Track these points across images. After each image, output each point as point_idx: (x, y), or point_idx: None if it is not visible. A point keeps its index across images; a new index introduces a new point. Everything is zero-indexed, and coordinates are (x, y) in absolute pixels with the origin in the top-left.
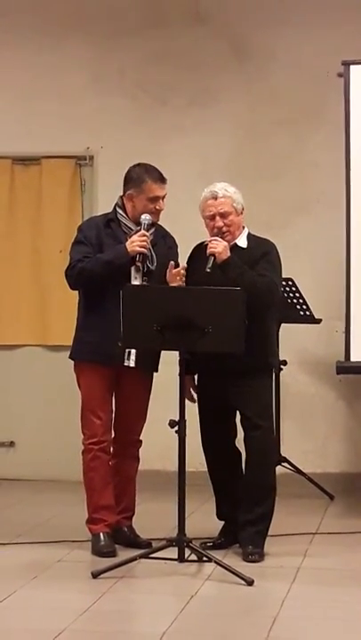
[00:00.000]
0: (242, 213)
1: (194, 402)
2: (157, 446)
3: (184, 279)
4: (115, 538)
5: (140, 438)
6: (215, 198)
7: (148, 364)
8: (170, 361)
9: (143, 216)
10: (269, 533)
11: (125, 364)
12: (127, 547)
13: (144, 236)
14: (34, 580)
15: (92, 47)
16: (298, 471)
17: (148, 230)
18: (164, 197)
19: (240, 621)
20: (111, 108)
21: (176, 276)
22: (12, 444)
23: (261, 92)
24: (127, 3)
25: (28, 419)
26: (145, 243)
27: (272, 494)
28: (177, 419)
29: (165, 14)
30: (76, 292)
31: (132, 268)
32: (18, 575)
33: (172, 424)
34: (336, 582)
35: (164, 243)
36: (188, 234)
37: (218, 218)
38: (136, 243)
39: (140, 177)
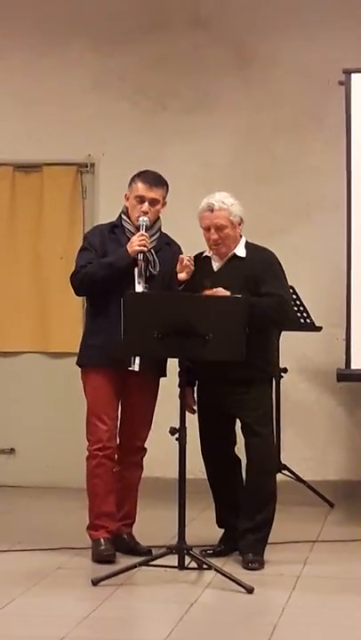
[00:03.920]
0: (240, 225)
1: (193, 413)
2: (158, 453)
3: (192, 268)
4: (114, 545)
5: (145, 446)
6: (211, 210)
7: (154, 369)
8: (171, 370)
9: (141, 218)
10: (269, 541)
11: (130, 368)
12: (127, 554)
13: (142, 235)
14: (34, 588)
15: (93, 52)
16: (298, 479)
17: (146, 231)
18: (154, 202)
19: (240, 629)
20: (112, 114)
21: (185, 267)
22: (12, 450)
23: (262, 98)
24: (128, 8)
25: (29, 425)
26: (144, 241)
27: (272, 502)
28: (177, 426)
29: (166, 19)
30: (79, 300)
31: (136, 273)
32: (17, 582)
33: (172, 431)
34: (336, 590)
35: (169, 249)
36: (188, 239)
37: (213, 230)
38: (135, 243)
39: (133, 178)
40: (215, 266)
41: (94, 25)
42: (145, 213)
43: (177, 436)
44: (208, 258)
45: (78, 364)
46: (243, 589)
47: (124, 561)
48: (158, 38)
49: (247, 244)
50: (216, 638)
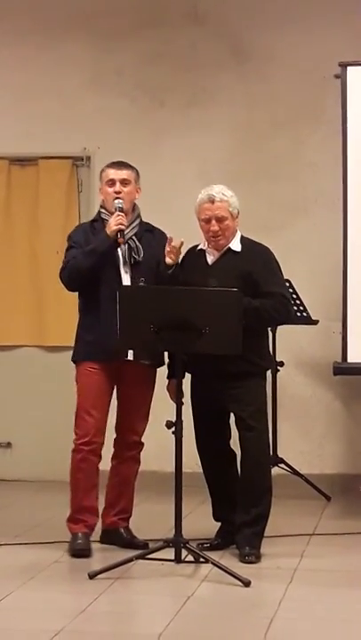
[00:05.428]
0: (237, 217)
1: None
2: (154, 447)
3: (181, 255)
4: (111, 539)
5: (142, 441)
6: (212, 202)
7: (150, 358)
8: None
9: (115, 200)
10: (266, 534)
11: (126, 358)
12: (124, 547)
13: (118, 215)
14: (30, 581)
15: (90, 48)
16: (295, 472)
17: (121, 212)
18: (125, 183)
19: (237, 622)
20: (109, 109)
21: (172, 250)
22: (8, 444)
23: (259, 94)
24: (125, 3)
25: (25, 419)
26: (120, 219)
27: (268, 495)
28: (174, 420)
29: (164, 15)
30: (75, 293)
31: (121, 262)
32: (15, 576)
33: (168, 425)
34: (333, 583)
35: (152, 236)
36: (185, 234)
37: (214, 222)
38: (112, 223)
39: (102, 169)
40: (210, 259)
41: (91, 20)
42: (118, 194)
43: (173, 429)
44: (203, 251)
45: (73, 360)
46: (239, 582)
47: (121, 554)
48: (155, 34)
49: (242, 239)
50: (213, 631)
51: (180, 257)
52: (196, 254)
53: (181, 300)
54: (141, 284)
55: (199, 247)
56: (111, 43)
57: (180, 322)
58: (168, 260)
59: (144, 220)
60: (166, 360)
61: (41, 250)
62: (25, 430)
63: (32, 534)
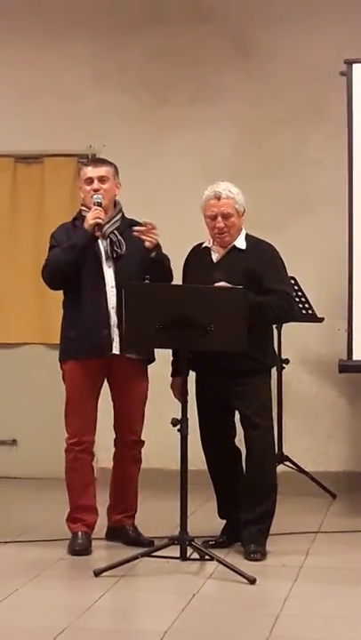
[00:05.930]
0: (243, 215)
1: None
2: (159, 445)
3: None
4: (117, 536)
5: (142, 439)
6: (218, 199)
7: (137, 352)
8: (166, 359)
9: (94, 196)
10: (271, 532)
11: (112, 352)
12: (129, 545)
13: (96, 210)
14: (36, 579)
15: (94, 45)
16: (300, 470)
17: (100, 207)
18: (103, 180)
19: (242, 620)
20: (113, 106)
21: (143, 231)
22: (14, 442)
23: (264, 90)
24: (129, 0)
25: (30, 417)
26: (97, 213)
27: (273, 492)
28: (179, 417)
29: (167, 11)
30: None
31: (103, 257)
32: (20, 573)
33: (174, 422)
34: (338, 581)
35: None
36: (189, 232)
37: (220, 219)
38: (90, 217)
39: (80, 167)
40: (215, 257)
41: (95, 17)
42: (96, 191)
43: (179, 427)
44: (208, 249)
45: (59, 359)
46: (245, 580)
47: (126, 552)
48: (159, 30)
49: (247, 237)
50: (218, 629)
51: (156, 236)
52: (201, 252)
53: (186, 297)
54: (147, 281)
55: (204, 245)
56: (114, 39)
57: (185, 319)
58: (147, 244)
59: (144, 215)
60: (170, 358)
61: (46, 247)
62: (30, 428)
63: (37, 532)
